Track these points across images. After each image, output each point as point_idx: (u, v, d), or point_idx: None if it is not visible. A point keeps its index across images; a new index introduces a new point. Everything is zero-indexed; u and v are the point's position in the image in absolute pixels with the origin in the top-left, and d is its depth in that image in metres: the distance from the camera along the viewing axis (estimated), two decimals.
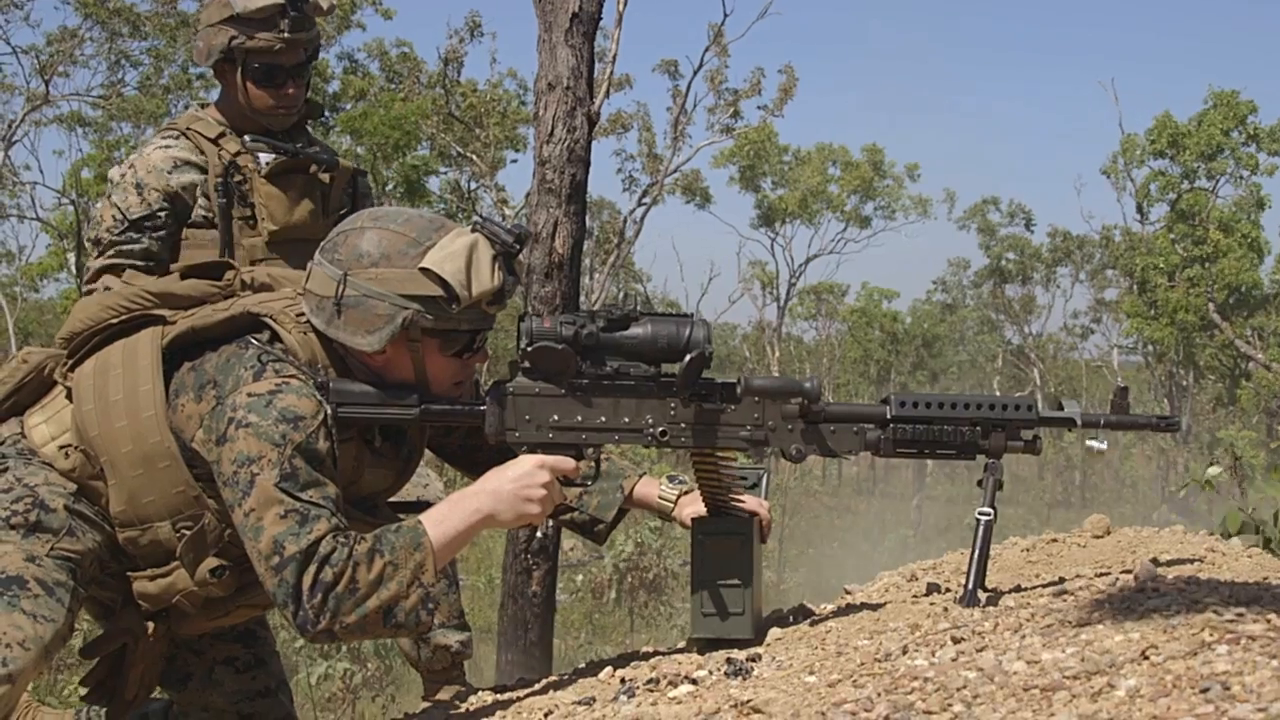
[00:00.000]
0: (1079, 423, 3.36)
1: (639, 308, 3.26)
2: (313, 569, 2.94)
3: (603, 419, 3.26)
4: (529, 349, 3.20)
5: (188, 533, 3.23)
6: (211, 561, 3.26)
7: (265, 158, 4.69)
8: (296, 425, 3.03)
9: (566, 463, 3.22)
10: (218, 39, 4.59)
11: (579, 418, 3.26)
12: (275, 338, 3.23)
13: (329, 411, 3.12)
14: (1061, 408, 3.40)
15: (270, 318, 3.23)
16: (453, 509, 3.14)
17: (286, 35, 4.60)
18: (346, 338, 3.18)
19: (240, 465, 3.00)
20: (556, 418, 3.26)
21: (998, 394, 3.50)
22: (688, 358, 3.19)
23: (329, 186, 4.78)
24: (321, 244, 3.28)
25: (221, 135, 4.67)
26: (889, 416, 3.33)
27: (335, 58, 30.33)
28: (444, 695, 4.62)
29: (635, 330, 3.24)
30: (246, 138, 4.70)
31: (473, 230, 3.21)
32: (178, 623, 3.45)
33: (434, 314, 3.15)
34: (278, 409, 3.03)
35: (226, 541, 3.23)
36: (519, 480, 3.15)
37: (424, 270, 3.13)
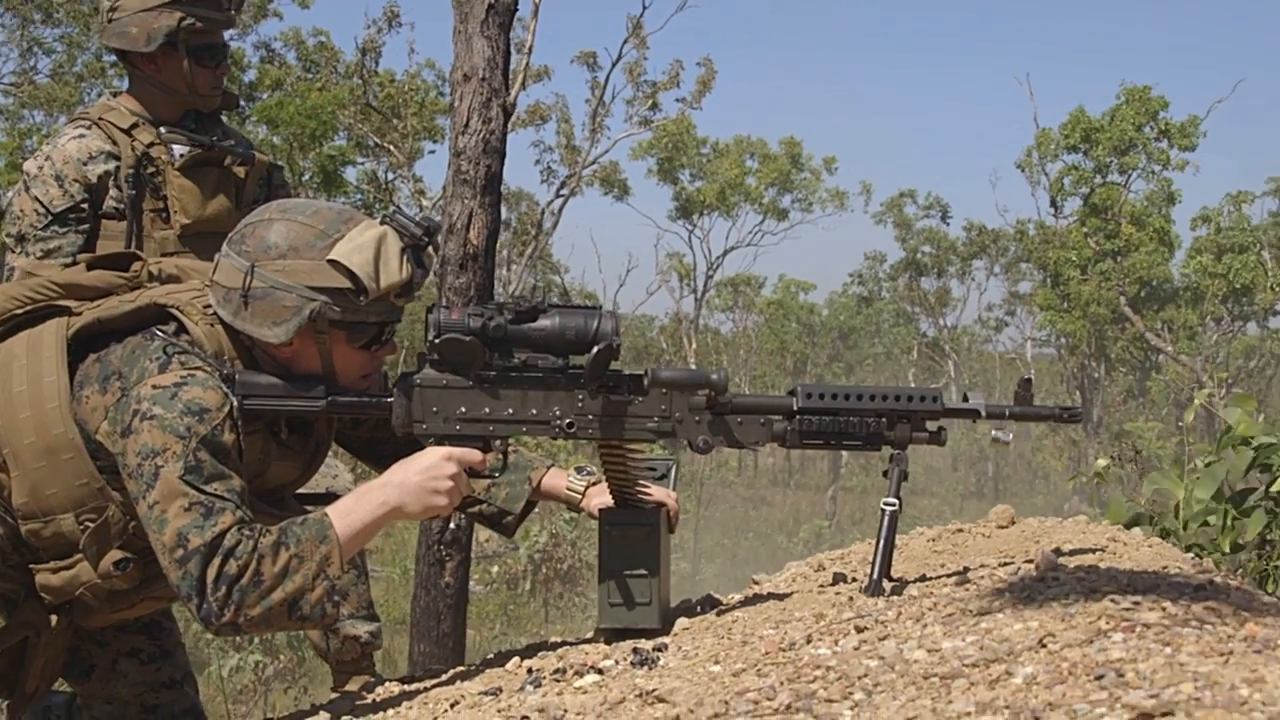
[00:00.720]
0: (983, 414, 3.40)
1: (547, 300, 3.27)
2: (217, 562, 2.93)
3: (510, 411, 3.27)
4: (436, 341, 3.21)
5: (91, 525, 3.21)
6: (115, 554, 3.24)
7: (179, 150, 4.65)
8: (201, 418, 3.01)
9: (473, 455, 3.23)
10: (161, 21, 4.53)
11: (486, 409, 3.27)
12: (182, 329, 3.21)
13: (235, 404, 3.11)
14: (967, 399, 3.43)
15: (177, 309, 3.21)
16: (359, 501, 3.13)
17: (231, 13, 4.62)
18: (253, 329, 3.17)
19: (144, 458, 2.98)
20: (464, 409, 3.26)
21: (905, 385, 3.54)
22: (595, 349, 3.21)
23: (243, 180, 4.75)
24: (229, 235, 3.27)
25: (135, 126, 4.63)
26: (796, 408, 3.35)
27: (252, 47, 30.07)
28: (353, 686, 4.62)
29: (543, 322, 3.25)
30: (162, 129, 4.65)
31: (381, 223, 3.21)
32: (81, 615, 3.41)
33: (341, 306, 3.15)
34: (183, 401, 3.01)
35: (130, 534, 3.21)
36: (426, 472, 3.15)
37: (332, 262, 3.13)
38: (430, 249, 3.26)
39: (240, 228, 3.26)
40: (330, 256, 3.13)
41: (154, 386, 3.04)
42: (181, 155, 4.62)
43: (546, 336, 3.25)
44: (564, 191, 32.74)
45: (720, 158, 41.08)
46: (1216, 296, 38.30)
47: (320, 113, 27.22)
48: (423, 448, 3.24)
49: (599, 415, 3.29)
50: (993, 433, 3.47)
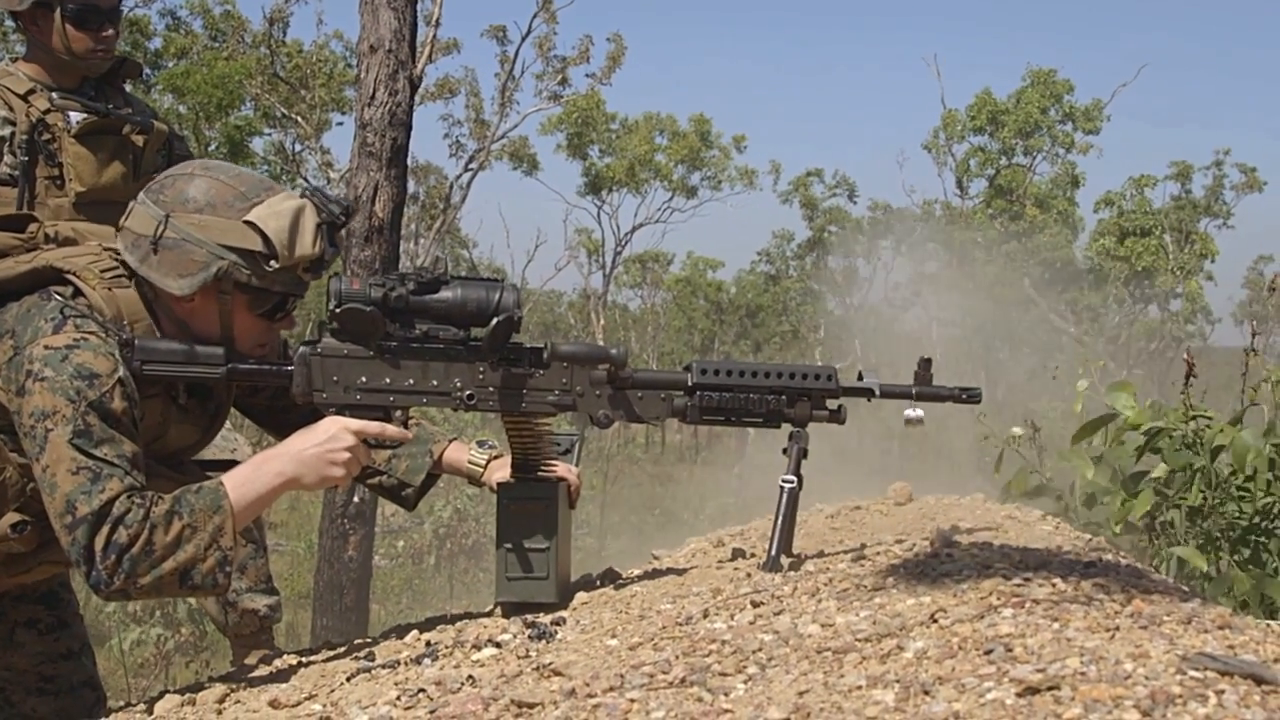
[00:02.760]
0: (878, 393, 3.43)
1: (449, 272, 3.27)
2: (106, 530, 2.91)
3: (410, 382, 3.27)
4: (337, 310, 3.20)
5: None
6: (12, 517, 3.21)
7: (76, 116, 4.60)
8: (91, 383, 2.99)
9: (372, 426, 3.22)
10: None
11: (387, 380, 3.27)
12: (78, 293, 3.18)
13: (126, 373, 3.08)
14: (862, 378, 3.47)
15: (73, 274, 3.19)
16: (255, 471, 3.12)
17: None
18: (157, 278, 3.16)
19: (36, 419, 2.97)
20: (364, 379, 3.26)
21: (803, 363, 3.56)
22: (494, 321, 3.21)
23: (141, 149, 4.69)
24: (148, 184, 3.26)
25: (31, 91, 4.57)
26: (690, 384, 3.37)
27: (157, 14, 29.81)
28: (252, 660, 4.59)
29: (444, 294, 3.25)
30: (54, 95, 4.59)
31: (301, 195, 3.21)
32: None
33: (250, 269, 3.15)
34: (73, 365, 3.00)
35: (28, 496, 3.19)
36: (323, 444, 3.15)
37: (248, 223, 3.13)
38: (344, 231, 3.26)
39: (160, 179, 3.26)
40: (247, 217, 3.14)
41: (46, 347, 3.02)
42: (78, 122, 4.56)
43: (448, 308, 3.25)
44: (472, 166, 32.61)
45: (630, 134, 41.01)
46: (1119, 279, 38.76)
47: (227, 82, 26.98)
48: (324, 417, 3.24)
49: (499, 388, 3.30)
50: (905, 412, 3.51)
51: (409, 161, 7.46)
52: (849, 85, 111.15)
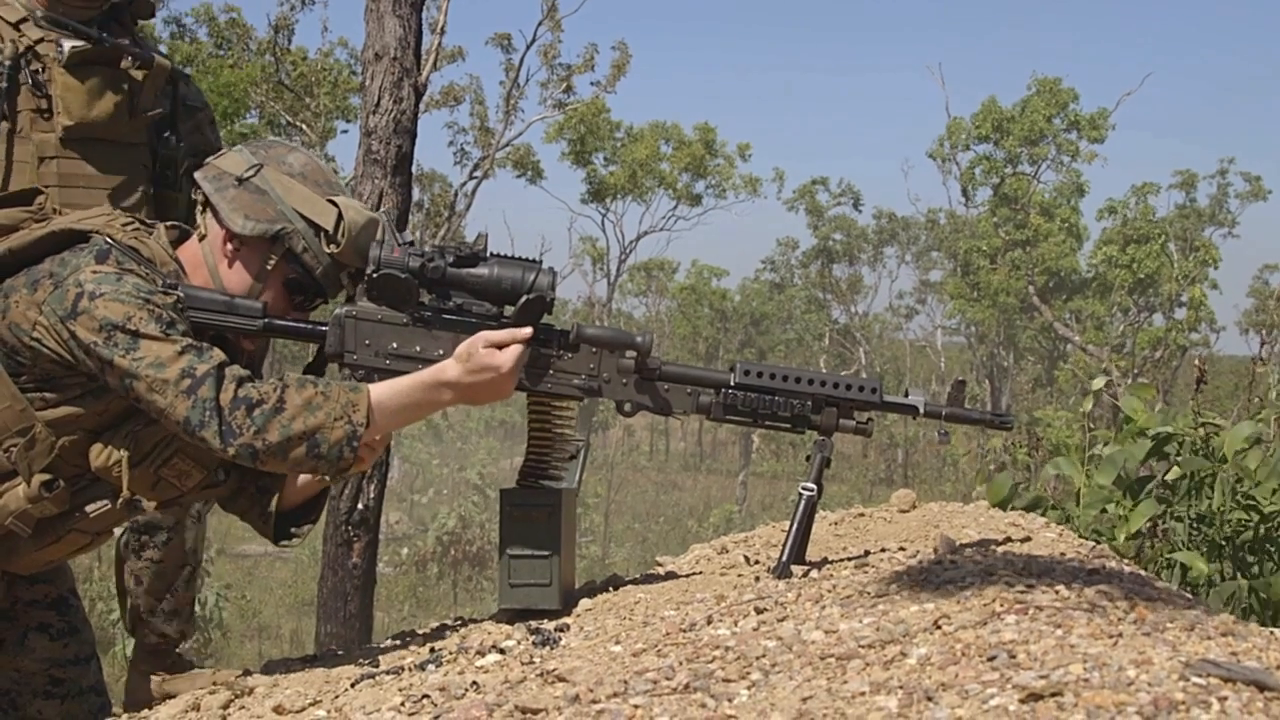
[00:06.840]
0: (922, 411, 3.43)
1: (488, 249, 3.33)
2: (231, 386, 3.03)
3: (440, 352, 3.32)
4: (373, 274, 3.28)
5: (15, 450, 3.21)
6: (43, 476, 3.23)
7: (68, 45, 4.24)
8: (152, 296, 3.09)
9: (502, 333, 3.26)
10: None
11: (417, 348, 3.33)
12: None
13: (180, 296, 3.18)
14: (908, 395, 3.47)
15: (96, 232, 3.25)
16: (400, 379, 3.24)
17: None
18: (225, 208, 3.28)
19: (112, 329, 3.04)
20: (395, 345, 3.32)
21: (840, 373, 3.57)
22: (523, 299, 3.28)
23: (140, 84, 4.24)
24: (249, 141, 3.41)
25: (24, 20, 4.14)
26: (732, 384, 3.40)
27: (162, 22, 29.71)
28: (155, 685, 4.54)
29: (480, 270, 3.32)
30: (38, 12, 4.11)
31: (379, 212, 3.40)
32: (6, 556, 3.38)
33: (309, 243, 3.29)
34: (129, 283, 3.09)
35: (57, 455, 3.22)
36: (467, 360, 3.21)
37: (331, 202, 3.29)
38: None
39: (263, 140, 3.45)
40: (332, 197, 3.31)
41: (94, 271, 3.10)
42: (70, 50, 4.10)
43: (483, 284, 3.32)
44: (477, 173, 32.63)
45: (634, 142, 40.98)
46: (1123, 288, 38.72)
47: (232, 90, 26.99)
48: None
49: (526, 365, 3.32)
50: (937, 431, 3.53)
51: (414, 169, 7.46)
52: (854, 94, 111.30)
